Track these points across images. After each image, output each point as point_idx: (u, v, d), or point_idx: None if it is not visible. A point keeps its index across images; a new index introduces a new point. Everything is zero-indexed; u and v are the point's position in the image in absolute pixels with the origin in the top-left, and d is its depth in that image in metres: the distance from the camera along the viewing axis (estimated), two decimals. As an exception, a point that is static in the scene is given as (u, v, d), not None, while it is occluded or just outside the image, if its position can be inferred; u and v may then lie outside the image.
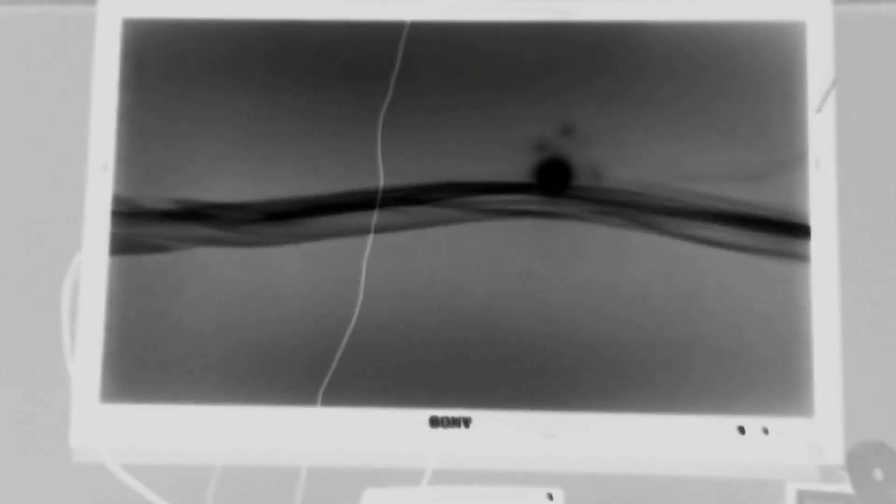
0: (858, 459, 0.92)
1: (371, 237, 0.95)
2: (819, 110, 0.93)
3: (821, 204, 0.94)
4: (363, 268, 0.95)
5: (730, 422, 0.92)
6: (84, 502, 1.00)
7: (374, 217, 0.95)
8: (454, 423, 0.93)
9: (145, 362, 0.94)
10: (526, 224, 0.95)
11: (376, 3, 0.98)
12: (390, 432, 0.93)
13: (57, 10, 1.07)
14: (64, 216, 1.02)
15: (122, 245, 0.96)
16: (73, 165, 1.00)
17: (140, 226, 0.96)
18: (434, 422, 0.93)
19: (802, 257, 0.92)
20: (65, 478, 1.00)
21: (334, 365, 0.93)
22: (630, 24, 0.96)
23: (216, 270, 0.95)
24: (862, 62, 1.02)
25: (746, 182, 0.94)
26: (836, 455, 0.92)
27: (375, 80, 0.97)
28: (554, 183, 0.95)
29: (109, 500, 0.97)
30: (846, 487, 0.92)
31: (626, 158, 0.95)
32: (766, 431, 0.92)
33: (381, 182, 0.96)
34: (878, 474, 0.91)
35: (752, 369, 0.92)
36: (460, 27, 0.97)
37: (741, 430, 0.92)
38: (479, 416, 0.93)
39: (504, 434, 0.93)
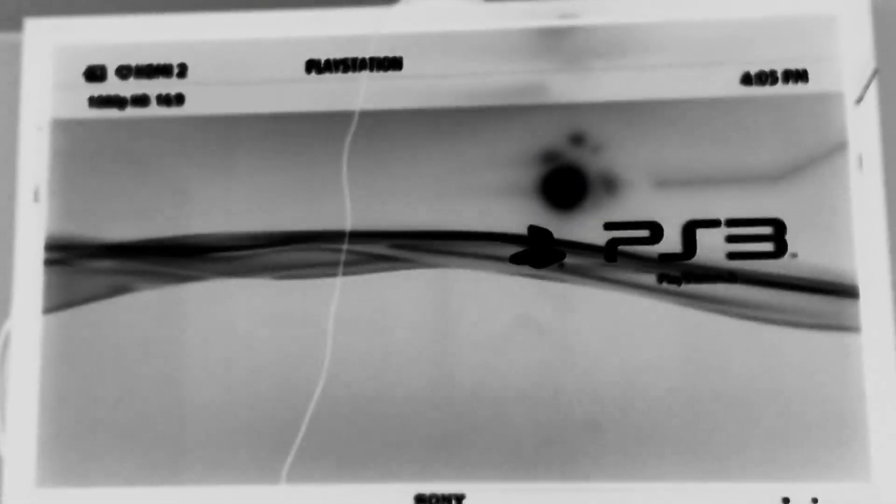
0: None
1: (339, 282, 0.85)
2: (859, 101, 0.83)
3: (866, 210, 0.82)
4: (331, 318, 0.84)
5: (771, 490, 0.80)
6: None
7: (342, 258, 0.85)
8: (444, 501, 0.82)
9: (87, 440, 0.86)
10: (521, 277, 0.84)
11: (336, 14, 0.89)
12: (369, 514, 0.83)
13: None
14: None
15: (56, 296, 0.87)
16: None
17: (77, 267, 0.87)
18: (420, 500, 0.83)
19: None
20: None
21: (301, 434, 0.84)
22: (644, 24, 0.86)
23: (160, 323, 0.86)
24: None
25: (773, 185, 0.83)
26: (901, 526, 0.78)
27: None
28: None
29: None
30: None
31: (651, 175, 0.84)
32: (815, 502, 0.78)
33: (349, 223, 0.85)
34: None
35: (794, 428, 0.81)
36: (438, 38, 0.87)
37: (785, 501, 0.79)
38: (475, 492, 0.82)
39: (504, 512, 0.82)
